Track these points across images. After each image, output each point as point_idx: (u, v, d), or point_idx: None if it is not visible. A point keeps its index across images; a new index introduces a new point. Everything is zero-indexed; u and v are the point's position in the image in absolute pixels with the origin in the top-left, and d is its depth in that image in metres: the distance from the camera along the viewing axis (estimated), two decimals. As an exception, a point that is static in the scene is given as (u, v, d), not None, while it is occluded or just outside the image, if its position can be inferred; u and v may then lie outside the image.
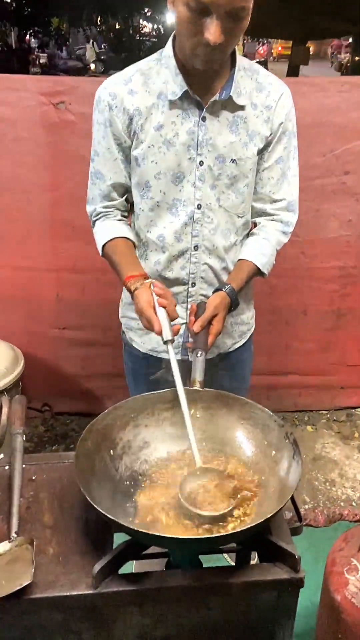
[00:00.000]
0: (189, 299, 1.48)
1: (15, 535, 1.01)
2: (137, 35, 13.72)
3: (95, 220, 1.48)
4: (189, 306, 1.47)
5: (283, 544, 1.01)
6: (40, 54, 16.34)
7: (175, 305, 1.48)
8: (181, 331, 1.51)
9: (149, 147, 1.33)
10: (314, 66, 13.99)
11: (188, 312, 1.45)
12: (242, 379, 1.70)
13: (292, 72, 9.94)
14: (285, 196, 1.47)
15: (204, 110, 1.31)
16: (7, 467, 1.21)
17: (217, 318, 1.35)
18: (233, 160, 1.36)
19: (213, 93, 1.31)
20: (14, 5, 11.68)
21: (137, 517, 1.06)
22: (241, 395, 1.25)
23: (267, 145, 1.40)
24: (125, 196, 1.46)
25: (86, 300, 2.57)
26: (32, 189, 2.38)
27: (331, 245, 2.56)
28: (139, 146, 1.34)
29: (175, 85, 1.29)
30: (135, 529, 0.94)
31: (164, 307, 1.24)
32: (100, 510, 0.94)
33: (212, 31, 1.14)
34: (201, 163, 1.35)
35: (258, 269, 1.45)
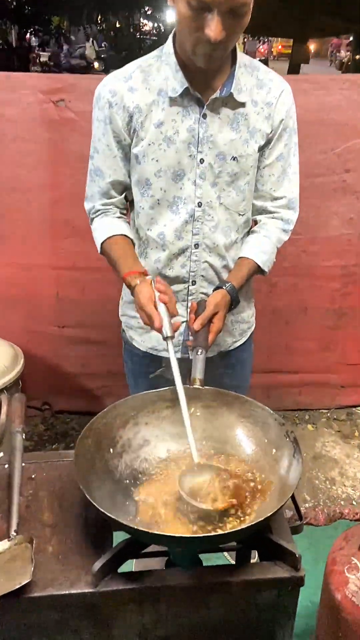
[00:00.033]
0: (190, 297, 1.48)
1: (15, 534, 1.01)
2: (138, 34, 13.69)
3: (93, 218, 1.47)
4: (189, 304, 1.47)
5: (283, 543, 1.01)
6: (41, 53, 16.32)
7: (176, 303, 1.48)
8: (181, 329, 1.51)
9: (149, 144, 1.32)
10: (313, 65, 13.99)
11: (188, 310, 1.45)
12: (242, 378, 1.69)
13: (293, 70, 9.92)
14: (286, 194, 1.46)
15: (205, 107, 1.31)
16: (6, 466, 1.20)
17: (217, 316, 1.34)
18: (234, 158, 1.35)
19: (214, 90, 1.31)
20: (15, 3, 11.66)
21: (138, 514, 1.06)
22: (241, 394, 1.24)
23: (268, 142, 1.39)
24: (124, 194, 1.46)
25: (86, 298, 2.56)
26: (32, 187, 2.37)
27: (332, 243, 2.55)
28: (139, 144, 1.33)
29: (176, 82, 1.29)
30: (135, 527, 0.94)
31: (165, 304, 1.23)
32: (100, 508, 0.94)
33: (213, 28, 1.13)
34: (202, 160, 1.34)
35: (259, 266, 1.45)
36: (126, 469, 1.15)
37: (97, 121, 1.37)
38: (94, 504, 0.95)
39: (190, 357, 1.34)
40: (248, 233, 1.51)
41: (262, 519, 0.94)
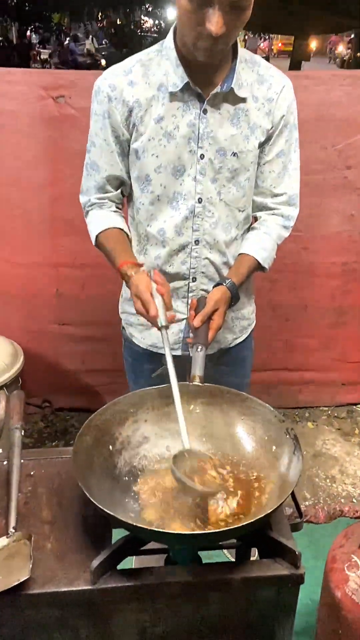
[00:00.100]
0: (190, 294, 1.47)
1: (13, 531, 1.01)
2: (139, 31, 13.69)
3: (88, 211, 1.46)
4: (189, 301, 1.46)
5: (283, 540, 1.01)
6: (42, 50, 16.31)
7: (171, 298, 1.47)
8: (182, 326, 1.50)
9: (149, 139, 1.31)
10: (313, 62, 13.93)
11: (188, 307, 1.44)
12: (242, 375, 1.69)
13: (294, 68, 9.90)
14: (286, 190, 1.45)
15: (205, 102, 1.30)
16: (5, 463, 1.20)
17: (217, 313, 1.34)
18: (234, 154, 1.34)
19: (214, 85, 1.30)
20: (15, 0, 11.65)
21: (137, 510, 1.05)
22: (242, 391, 1.24)
23: (269, 138, 1.38)
24: (120, 189, 1.45)
25: (86, 296, 2.56)
26: (32, 184, 2.37)
27: (333, 240, 2.55)
28: (138, 139, 1.32)
29: (176, 77, 1.28)
30: (134, 524, 0.93)
31: (162, 295, 1.22)
32: (99, 505, 0.94)
33: (214, 22, 1.12)
34: (202, 156, 1.33)
35: (259, 263, 1.44)
36: (125, 466, 1.15)
37: (95, 115, 1.36)
38: (93, 501, 0.94)
39: (190, 354, 1.33)
40: (248, 229, 1.50)
41: (262, 515, 0.94)
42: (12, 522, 1.02)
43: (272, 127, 1.37)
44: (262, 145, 1.39)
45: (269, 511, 0.94)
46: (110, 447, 1.15)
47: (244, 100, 1.32)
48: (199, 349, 1.29)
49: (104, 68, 1.41)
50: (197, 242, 1.41)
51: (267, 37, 22.29)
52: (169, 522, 1.03)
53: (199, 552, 1.08)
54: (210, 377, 1.27)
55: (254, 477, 1.12)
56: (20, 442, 1.21)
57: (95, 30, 14.83)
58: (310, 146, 2.28)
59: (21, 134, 2.30)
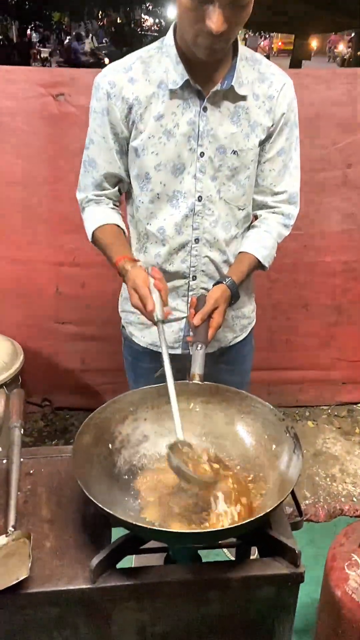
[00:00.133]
0: (190, 293, 1.47)
1: (13, 529, 1.00)
2: (139, 29, 13.67)
3: (85, 207, 1.46)
4: (189, 299, 1.46)
5: (283, 539, 1.00)
6: (42, 49, 16.30)
7: (171, 296, 1.46)
8: (182, 325, 1.50)
9: (149, 137, 1.31)
10: (312, 61, 13.91)
11: (188, 305, 1.44)
12: (242, 374, 1.68)
13: (295, 67, 9.91)
14: (287, 188, 1.45)
15: (205, 100, 1.29)
16: (4, 461, 1.20)
17: (217, 311, 1.33)
18: (234, 152, 1.34)
19: (214, 83, 1.29)
20: (15, -1, 11.66)
21: (137, 509, 1.05)
22: (241, 390, 1.23)
23: (269, 136, 1.38)
24: (117, 186, 1.44)
25: (86, 294, 2.55)
26: (32, 182, 2.36)
27: (333, 239, 2.54)
28: (138, 136, 1.32)
29: (176, 75, 1.27)
30: (133, 522, 0.93)
31: (159, 291, 1.22)
32: (98, 504, 0.93)
33: (215, 19, 1.12)
34: (202, 154, 1.33)
35: (259, 261, 1.43)
36: (125, 465, 1.15)
37: (94, 112, 1.35)
38: (92, 499, 0.94)
39: (190, 353, 1.33)
40: (248, 228, 1.50)
41: (262, 514, 0.93)
42: (12, 520, 1.02)
43: (272, 125, 1.36)
44: (262, 144, 1.38)
45: (268, 509, 0.94)
46: (110, 445, 1.15)
47: (244, 98, 1.32)
48: (198, 348, 1.29)
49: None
50: (197, 240, 1.41)
51: (267, 36, 22.29)
52: (168, 521, 1.03)
53: (199, 551, 1.08)
54: (210, 376, 1.27)
55: (250, 478, 1.12)
56: (19, 440, 1.21)
57: (95, 29, 14.82)
58: (311, 144, 2.27)
59: (21, 132, 2.30)
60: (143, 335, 1.56)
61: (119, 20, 13.61)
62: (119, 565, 1.00)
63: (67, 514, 1.09)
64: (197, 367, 1.25)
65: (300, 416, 2.85)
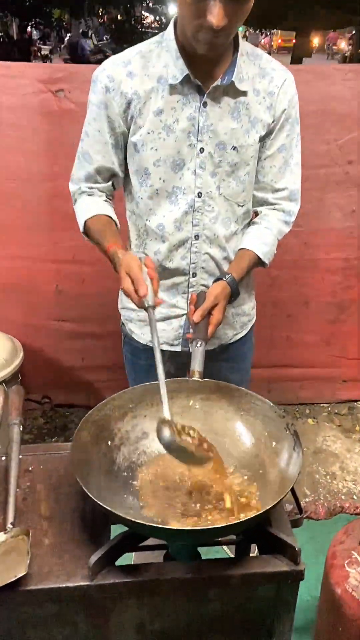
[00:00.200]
0: (190, 289, 1.46)
1: (11, 526, 1.00)
2: (139, 26, 13.64)
3: (77, 198, 1.44)
4: (189, 296, 1.45)
5: (283, 536, 1.00)
6: (42, 46, 16.27)
7: (172, 293, 1.45)
8: (181, 322, 1.50)
9: (149, 132, 1.30)
10: (311, 58, 13.86)
11: (188, 302, 1.43)
12: (242, 371, 1.68)
13: (295, 64, 9.90)
14: (288, 185, 1.44)
15: (205, 95, 1.28)
16: (3, 458, 1.19)
17: (217, 308, 1.33)
18: (234, 148, 1.33)
19: (214, 78, 1.28)
20: (16, -5, 11.62)
21: (136, 506, 1.04)
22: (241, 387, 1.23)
23: (270, 132, 1.37)
24: (111, 181, 1.43)
25: (86, 292, 2.55)
26: (31, 178, 2.36)
27: (334, 236, 2.54)
28: (137, 132, 1.31)
29: (176, 69, 1.26)
30: (132, 519, 0.92)
31: (152, 280, 1.18)
32: (97, 501, 0.93)
33: (215, 14, 1.11)
34: (202, 150, 1.32)
35: (259, 258, 1.43)
36: (124, 462, 1.14)
37: (91, 104, 1.34)
38: (91, 496, 0.94)
39: (190, 350, 1.32)
40: (249, 224, 1.49)
41: (262, 511, 0.93)
42: (10, 517, 1.02)
43: (273, 121, 1.35)
44: (262, 140, 1.37)
45: (268, 506, 0.94)
46: (109, 442, 1.14)
47: (244, 93, 1.31)
48: (198, 344, 1.28)
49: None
50: (197, 237, 1.40)
51: (268, 33, 22.25)
52: (168, 518, 1.02)
53: (199, 548, 1.08)
54: (210, 373, 1.26)
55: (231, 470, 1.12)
56: (18, 437, 1.20)
57: (95, 26, 14.79)
58: (312, 141, 2.26)
59: (20, 128, 2.29)
60: (143, 333, 1.56)
61: (119, 17, 13.57)
62: (118, 563, 0.99)
63: (66, 511, 1.09)
64: (197, 364, 1.25)
65: (300, 414, 2.85)
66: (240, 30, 1.33)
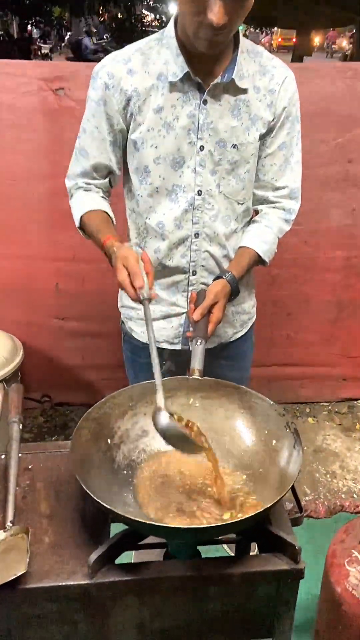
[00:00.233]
0: (190, 288, 1.46)
1: (11, 524, 1.00)
2: (140, 25, 13.62)
3: (73, 193, 1.43)
4: (189, 295, 1.45)
5: (283, 535, 1.00)
6: (43, 45, 16.24)
7: (172, 291, 1.45)
8: (181, 320, 1.49)
9: (148, 130, 1.30)
10: (311, 57, 13.81)
11: (188, 300, 1.43)
12: (242, 369, 1.68)
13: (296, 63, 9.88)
14: (288, 183, 1.44)
15: (205, 93, 1.28)
16: (3, 456, 1.19)
17: (217, 306, 1.32)
18: (234, 146, 1.33)
19: (215, 75, 1.28)
20: (15, -7, 11.60)
21: (135, 504, 1.04)
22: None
23: (270, 130, 1.36)
24: (108, 178, 1.42)
25: (86, 290, 2.54)
26: (31, 177, 2.35)
27: (334, 235, 2.53)
28: (137, 129, 1.31)
29: (176, 67, 1.26)
30: (132, 518, 0.92)
31: (147, 274, 1.17)
32: (97, 499, 0.93)
33: (216, 11, 1.11)
34: (202, 148, 1.32)
35: (259, 256, 1.42)
36: (124, 460, 1.14)
37: (90, 100, 1.34)
38: (91, 494, 0.93)
39: (190, 348, 1.32)
40: (249, 223, 1.49)
41: (262, 510, 0.93)
42: (10, 515, 1.02)
43: (273, 119, 1.35)
44: (263, 138, 1.37)
45: (269, 505, 0.93)
46: (109, 440, 1.14)
47: (245, 91, 1.31)
48: (198, 343, 1.28)
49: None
50: (197, 235, 1.40)
51: (268, 32, 22.23)
52: (168, 516, 1.02)
53: (198, 547, 1.07)
54: (210, 372, 1.26)
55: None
56: (18, 435, 1.20)
57: (96, 25, 14.77)
58: (312, 139, 2.26)
59: (20, 127, 2.28)
60: (142, 331, 1.56)
61: (119, 16, 13.56)
62: (118, 561, 0.99)
63: (66, 510, 1.09)
64: (197, 362, 1.24)
65: (300, 412, 2.85)
66: (241, 28, 1.33)
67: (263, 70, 1.33)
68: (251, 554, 1.18)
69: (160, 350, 1.52)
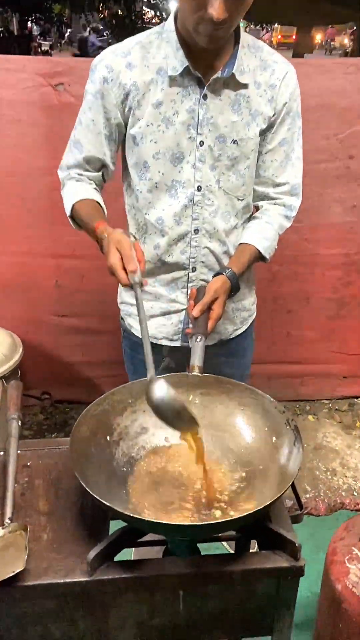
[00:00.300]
0: (190, 284, 1.45)
1: (9, 522, 1.00)
2: (140, 22, 13.57)
3: (66, 183, 1.41)
4: (189, 291, 1.44)
5: (283, 532, 0.99)
6: (43, 42, 16.22)
7: (171, 287, 1.44)
8: (181, 317, 1.49)
9: (148, 125, 1.29)
10: (309, 54, 13.76)
11: (188, 297, 1.42)
12: (242, 367, 1.67)
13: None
14: (289, 179, 1.43)
15: (205, 87, 1.27)
16: (1, 453, 1.19)
17: (217, 302, 1.32)
18: (234, 141, 1.32)
19: (215, 70, 1.27)
20: (15, -10, 11.57)
21: (133, 501, 1.04)
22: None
23: (271, 126, 1.36)
24: (101, 171, 1.41)
25: (85, 287, 2.54)
26: (31, 173, 2.34)
27: (335, 231, 2.52)
28: (135, 124, 1.30)
29: (176, 61, 1.25)
30: (131, 515, 0.92)
31: (139, 262, 1.14)
32: (96, 496, 0.92)
33: (216, 7, 1.10)
34: (201, 143, 1.31)
35: (260, 253, 1.42)
36: (123, 457, 1.14)
37: (87, 93, 1.33)
38: (90, 492, 0.93)
39: (190, 345, 1.31)
40: (249, 219, 1.48)
41: (262, 507, 0.92)
42: (8, 512, 1.01)
43: (274, 115, 1.34)
44: (263, 133, 1.36)
45: (269, 502, 0.93)
46: (108, 437, 1.14)
47: (245, 86, 1.30)
48: (198, 339, 1.27)
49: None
50: (196, 231, 1.39)
51: (269, 29, 22.16)
52: (167, 513, 1.01)
53: (198, 544, 1.07)
54: (210, 369, 1.25)
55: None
56: (17, 432, 1.19)
57: (96, 21, 14.72)
58: (312, 135, 2.24)
59: (20, 123, 2.27)
60: (142, 327, 1.55)
61: (119, 13, 13.51)
62: (117, 558, 0.99)
63: (65, 507, 1.08)
64: (196, 359, 1.24)
65: (300, 410, 2.84)
66: (242, 25, 1.32)
67: (264, 65, 1.32)
68: (251, 551, 1.17)
69: (159, 347, 1.52)
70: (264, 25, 17.42)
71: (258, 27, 18.94)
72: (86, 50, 13.73)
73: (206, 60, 1.27)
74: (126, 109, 1.30)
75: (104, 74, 1.28)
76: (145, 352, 1.06)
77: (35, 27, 15.59)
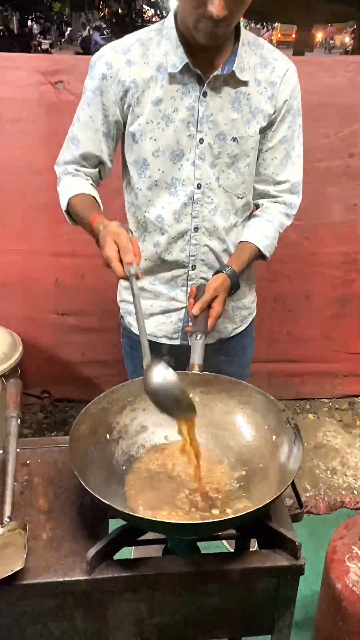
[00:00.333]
0: (189, 282, 1.45)
1: (8, 520, 0.99)
2: (140, 20, 13.56)
3: (62, 178, 1.39)
4: (188, 289, 1.44)
5: (283, 530, 0.99)
6: (43, 40, 16.21)
7: (171, 286, 1.43)
8: (180, 315, 1.48)
9: (147, 122, 1.28)
10: (308, 53, 13.73)
11: (188, 295, 1.42)
12: (242, 365, 1.67)
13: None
14: (289, 177, 1.43)
15: (205, 85, 1.27)
16: (1, 451, 1.18)
17: (217, 300, 1.31)
18: (234, 139, 1.31)
19: (215, 67, 1.27)
20: (15, -12, 11.56)
21: (133, 500, 1.04)
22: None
23: (271, 124, 1.35)
24: (97, 168, 1.40)
25: (85, 285, 2.53)
26: (30, 171, 2.34)
27: (335, 230, 2.52)
28: (135, 121, 1.29)
29: (176, 58, 1.24)
30: (131, 513, 0.91)
31: (135, 256, 1.13)
32: (95, 495, 0.92)
33: (216, 4, 1.10)
34: (201, 140, 1.30)
35: (260, 251, 1.41)
36: (123, 455, 1.13)
37: (86, 90, 1.32)
38: (89, 490, 0.93)
39: (189, 343, 1.31)
40: (249, 217, 1.47)
41: (262, 505, 0.92)
42: (7, 511, 1.01)
43: (274, 112, 1.34)
44: (264, 131, 1.35)
45: (268, 500, 0.92)
46: (108, 436, 1.13)
47: (245, 83, 1.29)
48: (198, 337, 1.27)
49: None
50: (196, 229, 1.38)
51: (269, 28, 22.16)
52: (166, 512, 1.01)
53: (198, 543, 1.07)
54: (209, 367, 1.25)
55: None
56: (16, 430, 1.19)
57: (96, 19, 14.72)
58: (313, 133, 2.23)
59: (19, 121, 2.27)
60: (142, 325, 1.54)
61: (119, 11, 13.51)
62: (116, 557, 0.98)
63: (64, 505, 1.08)
64: (196, 357, 1.24)
65: (300, 409, 2.84)
66: (242, 24, 1.31)
67: (264, 62, 1.31)
68: (251, 550, 1.17)
69: (159, 345, 1.52)
70: (264, 23, 17.40)
71: (258, 26, 18.93)
72: (89, 49, 13.74)
73: (206, 58, 1.26)
74: (125, 106, 1.29)
75: (103, 71, 1.27)
76: (141, 340, 1.06)
77: (35, 26, 15.59)
